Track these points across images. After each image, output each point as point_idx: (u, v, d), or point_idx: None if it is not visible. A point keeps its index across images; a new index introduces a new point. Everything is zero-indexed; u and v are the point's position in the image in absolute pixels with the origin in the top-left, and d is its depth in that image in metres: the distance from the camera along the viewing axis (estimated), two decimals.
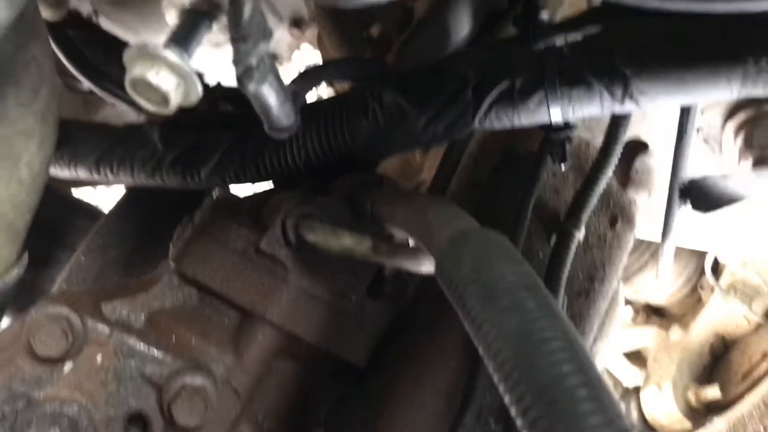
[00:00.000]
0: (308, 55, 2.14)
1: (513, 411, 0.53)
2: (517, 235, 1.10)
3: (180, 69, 0.57)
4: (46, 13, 1.07)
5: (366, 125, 1.06)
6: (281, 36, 2.02)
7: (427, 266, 0.86)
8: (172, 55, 0.56)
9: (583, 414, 0.49)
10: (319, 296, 1.01)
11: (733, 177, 0.94)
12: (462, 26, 1.23)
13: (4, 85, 0.85)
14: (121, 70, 1.51)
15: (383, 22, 1.40)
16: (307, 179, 1.12)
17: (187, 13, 0.59)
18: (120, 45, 1.56)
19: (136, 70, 0.56)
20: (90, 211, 1.59)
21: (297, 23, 1.92)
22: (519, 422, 0.52)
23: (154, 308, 1.03)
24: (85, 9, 1.78)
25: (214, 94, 1.34)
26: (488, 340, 0.56)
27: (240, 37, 0.58)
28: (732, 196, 0.96)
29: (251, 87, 0.66)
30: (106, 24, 1.77)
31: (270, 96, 0.73)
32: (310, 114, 1.06)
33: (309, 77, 1.01)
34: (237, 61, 0.62)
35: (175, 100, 0.57)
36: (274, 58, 2.18)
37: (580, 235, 1.12)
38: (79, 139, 1.23)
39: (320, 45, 1.82)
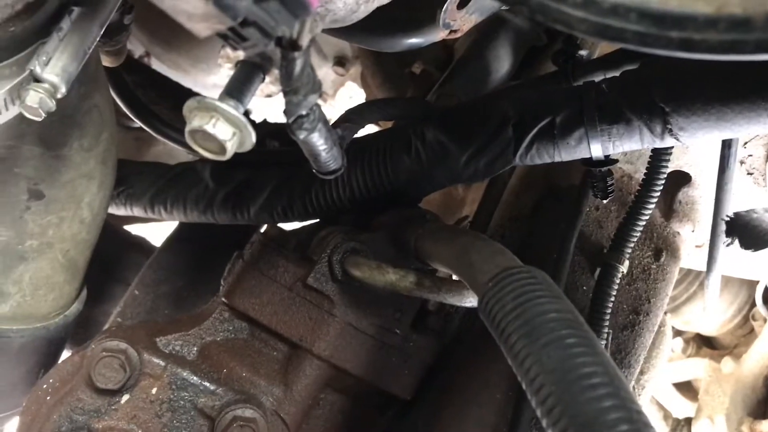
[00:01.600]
0: (352, 92, 2.20)
1: None
2: (560, 269, 1.11)
3: (235, 120, 0.60)
4: (107, 61, 1.13)
5: (409, 162, 1.08)
6: (326, 74, 2.09)
7: (470, 301, 0.88)
8: (227, 107, 0.60)
9: None
10: (365, 330, 1.03)
11: None
12: (502, 63, 1.25)
13: (69, 132, 0.91)
14: (172, 110, 1.57)
15: (424, 60, 1.44)
16: (352, 215, 1.15)
17: (241, 66, 0.63)
18: (172, 86, 1.62)
19: (195, 121, 0.59)
20: (142, 246, 1.64)
21: (341, 62, 1.98)
22: None
23: (206, 342, 1.07)
24: (138, 51, 1.86)
25: (261, 131, 1.39)
26: (530, 376, 0.58)
27: (291, 90, 0.61)
28: None
29: (302, 135, 0.69)
30: (157, 65, 1.85)
31: (319, 143, 0.76)
32: (355, 151, 1.10)
33: (354, 119, 1.05)
34: (288, 111, 0.65)
35: (231, 148, 0.61)
36: (320, 95, 2.24)
37: (623, 268, 1.13)
38: (135, 178, 1.29)
39: (363, 82, 1.87)
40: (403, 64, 1.54)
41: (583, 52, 1.15)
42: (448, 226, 1.10)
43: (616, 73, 1.01)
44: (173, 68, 1.89)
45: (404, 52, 1.44)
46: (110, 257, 1.57)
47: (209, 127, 0.59)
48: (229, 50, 1.64)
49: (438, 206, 1.64)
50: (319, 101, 2.09)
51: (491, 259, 0.74)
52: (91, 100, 0.92)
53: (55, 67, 0.71)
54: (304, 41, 0.55)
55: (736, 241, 1.08)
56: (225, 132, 0.60)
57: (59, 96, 0.71)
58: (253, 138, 0.62)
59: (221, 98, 0.62)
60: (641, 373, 1.43)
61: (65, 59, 0.71)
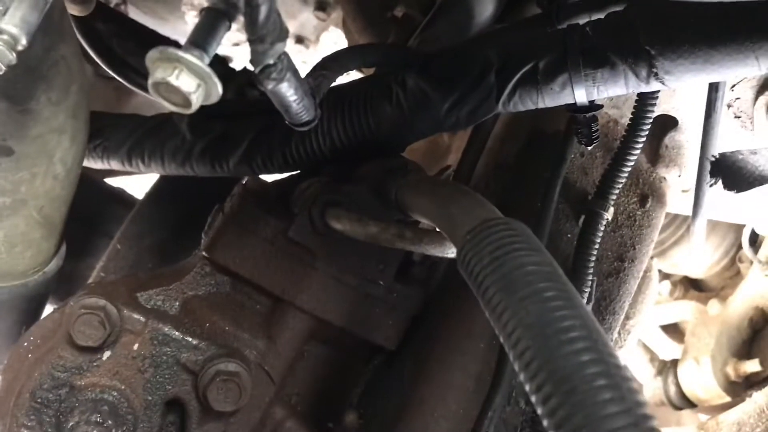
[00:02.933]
0: (336, 37, 2.15)
1: (533, 399, 0.54)
2: (544, 217, 1.09)
3: (200, 70, 0.58)
4: (74, 9, 1.09)
5: (390, 111, 1.06)
6: (307, 19, 2.04)
7: (451, 252, 0.87)
8: (191, 58, 0.57)
9: (601, 402, 0.50)
10: (348, 282, 1.03)
11: (765, 153, 0.92)
12: (485, 6, 1.22)
13: (35, 85, 0.88)
14: None
15: (407, 4, 1.40)
16: (333, 165, 1.13)
17: (205, 14, 0.60)
18: (149, 35, 1.58)
19: (157, 73, 0.57)
20: (124, 199, 1.62)
21: (322, 6, 1.93)
22: (539, 410, 0.53)
23: (188, 296, 1.06)
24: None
25: (241, 80, 1.35)
26: (508, 330, 0.57)
27: (257, 38, 0.58)
28: (762, 176, 0.95)
29: (269, 86, 0.67)
30: (134, 13, 1.80)
31: (289, 93, 0.74)
32: (334, 100, 1.07)
33: (331, 67, 1.02)
34: (254, 61, 0.63)
35: (197, 101, 0.58)
36: (300, 41, 2.18)
37: (608, 215, 1.12)
38: (111, 131, 1.26)
39: (345, 27, 1.82)
40: (384, 7, 1.50)
41: None
42: (429, 177, 1.09)
43: (601, 15, 0.98)
44: (151, 16, 1.84)
45: None
46: (91, 211, 1.56)
47: (172, 79, 0.57)
48: None
49: (423, 154, 1.62)
50: (302, 47, 2.04)
51: (470, 210, 0.73)
52: (56, 52, 0.89)
53: (13, 18, 0.68)
54: None
55: (720, 182, 1.06)
56: (189, 84, 0.57)
57: (20, 48, 0.68)
58: (220, 89, 0.59)
59: (185, 48, 0.59)
60: (627, 318, 1.44)
61: (24, 8, 0.67)
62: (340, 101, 1.07)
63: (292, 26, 2.11)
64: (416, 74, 1.05)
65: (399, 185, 0.96)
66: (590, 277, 1.09)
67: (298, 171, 1.15)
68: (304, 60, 2.16)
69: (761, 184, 0.96)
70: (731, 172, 1.03)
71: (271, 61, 0.63)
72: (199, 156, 1.18)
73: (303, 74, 0.96)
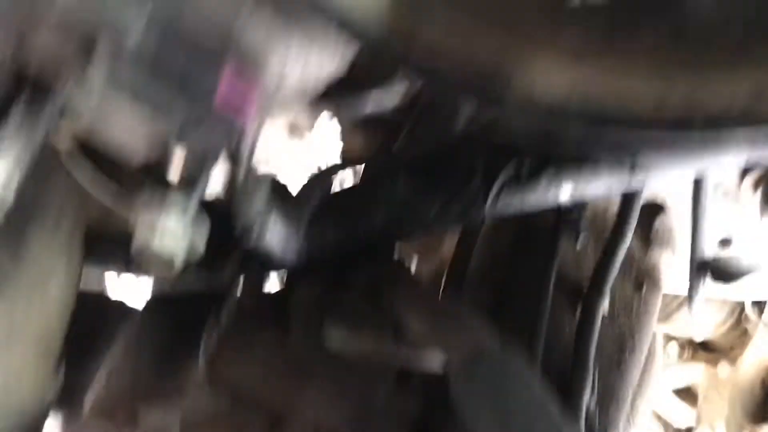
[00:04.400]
0: (329, 124, 2.18)
1: None
2: (540, 312, 1.09)
3: (181, 236, 0.59)
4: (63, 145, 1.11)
5: (380, 216, 1.07)
6: (300, 110, 2.07)
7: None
8: (171, 223, 0.58)
9: None
10: (347, 394, 1.02)
11: (754, 240, 0.93)
12: (468, 108, 1.24)
13: (26, 221, 0.89)
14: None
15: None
16: (327, 270, 1.13)
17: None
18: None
19: (139, 240, 0.58)
20: (124, 311, 1.62)
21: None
22: None
23: (188, 414, 1.05)
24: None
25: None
26: None
27: (237, 202, 0.60)
28: (755, 263, 0.95)
29: (251, 244, 0.68)
30: None
31: (272, 243, 0.75)
32: (326, 207, 1.08)
33: (317, 184, 1.04)
34: (236, 222, 0.64)
35: (179, 263, 0.59)
36: (293, 131, 2.21)
37: (604, 305, 1.11)
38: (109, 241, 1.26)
39: (338, 117, 1.84)
40: None
41: None
42: (422, 290, 1.09)
43: None
44: None
45: None
46: (90, 324, 1.54)
47: (155, 244, 0.57)
48: None
49: (420, 243, 1.62)
50: (295, 136, 2.06)
51: (464, 333, 0.73)
52: (48, 184, 0.91)
53: None
54: (245, 152, 0.53)
55: (710, 276, 1.07)
56: (170, 248, 0.58)
57: (5, 208, 0.69)
58: (201, 250, 0.60)
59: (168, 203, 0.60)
60: (633, 399, 1.42)
61: (5, 169, 0.69)
62: (332, 208, 1.08)
63: (286, 117, 2.14)
64: (404, 177, 1.06)
65: (392, 296, 0.97)
66: (591, 371, 1.08)
67: (291, 278, 1.16)
68: (299, 149, 2.19)
69: (751, 272, 0.96)
70: (721, 262, 1.03)
71: (251, 221, 0.64)
72: (195, 264, 1.18)
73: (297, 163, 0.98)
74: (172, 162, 0.56)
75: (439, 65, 0.47)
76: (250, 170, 0.57)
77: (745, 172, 1.16)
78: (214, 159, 0.52)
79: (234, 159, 0.53)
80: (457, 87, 0.44)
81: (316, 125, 2.21)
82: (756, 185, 1.13)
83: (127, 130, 0.49)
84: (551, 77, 0.45)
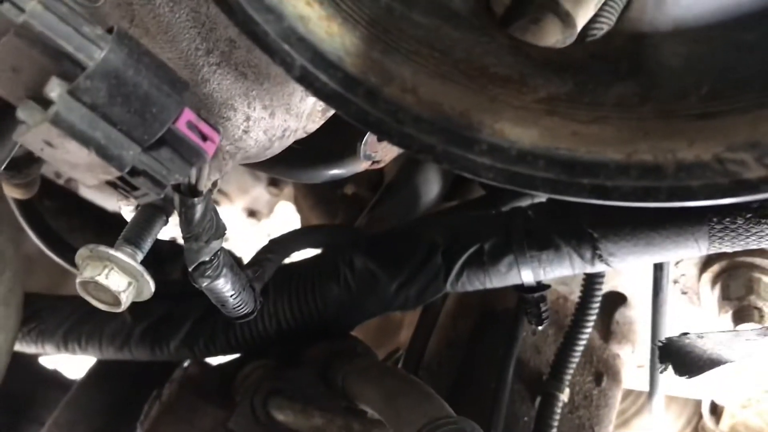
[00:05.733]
0: (287, 210, 2.17)
1: None
2: (499, 401, 1.06)
3: (131, 269, 0.55)
4: (16, 194, 1.07)
5: (338, 291, 1.04)
6: (260, 193, 2.06)
7: None
8: (123, 256, 0.55)
9: None
10: None
11: (713, 336, 0.92)
12: (431, 187, 1.24)
13: None
14: (96, 237, 1.50)
15: (356, 183, 1.43)
16: (279, 347, 1.08)
17: (141, 210, 0.59)
18: (97, 212, 1.57)
19: (86, 272, 0.54)
20: (59, 382, 1.53)
21: (274, 182, 1.97)
22: None
23: None
24: (64, 175, 1.80)
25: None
26: None
27: (192, 236, 0.57)
28: (714, 359, 0.94)
29: (204, 283, 0.65)
30: (85, 190, 1.79)
31: (225, 289, 0.71)
32: (281, 280, 1.05)
33: (276, 251, 1.01)
34: (188, 259, 0.61)
35: (127, 299, 0.56)
36: (252, 214, 2.19)
37: (564, 396, 1.08)
38: (47, 314, 1.21)
39: (296, 203, 1.84)
40: (335, 186, 1.52)
41: None
42: (377, 364, 1.05)
43: (543, 199, 1.00)
44: (101, 192, 1.83)
45: None
46: (22, 395, 1.46)
47: (101, 278, 0.54)
48: None
49: (375, 329, 1.58)
50: (254, 220, 2.03)
51: (419, 406, 0.69)
52: None
53: None
54: (203, 186, 0.51)
55: (670, 368, 1.05)
56: (119, 283, 0.55)
57: None
58: (152, 287, 0.57)
59: (117, 246, 0.57)
60: None
61: None
62: (287, 282, 1.05)
63: (245, 201, 2.13)
64: (364, 254, 1.04)
65: (346, 372, 0.93)
66: None
67: (242, 354, 1.11)
68: (256, 233, 2.17)
69: (711, 368, 0.95)
70: (680, 356, 1.02)
71: (206, 258, 0.61)
72: (139, 339, 1.13)
73: (253, 248, 0.95)
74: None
75: (411, 104, 0.46)
76: (209, 207, 0.55)
77: (702, 270, 1.17)
78: (175, 185, 0.50)
79: (193, 191, 0.51)
80: (427, 127, 0.43)
81: (274, 210, 2.21)
82: (714, 281, 1.14)
83: (79, 159, 0.46)
84: (519, 127, 0.45)
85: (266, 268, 0.94)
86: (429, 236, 1.01)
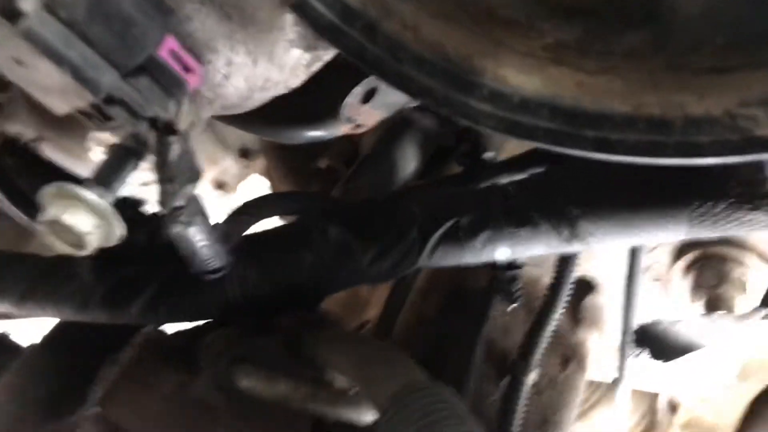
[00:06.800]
0: (257, 185, 2.13)
1: None
2: (466, 379, 1.04)
3: (100, 209, 0.52)
4: None
5: (310, 260, 1.01)
6: (229, 165, 2.01)
7: (369, 417, 0.80)
8: (91, 195, 0.52)
9: None
10: None
11: (687, 323, 0.92)
12: (408, 162, 1.22)
13: None
14: None
15: (330, 156, 1.40)
16: (246, 315, 1.05)
17: (112, 150, 0.55)
18: (60, 173, 1.51)
19: (51, 210, 0.51)
20: (7, 346, 1.48)
21: (245, 153, 1.92)
22: None
23: None
24: (29, 134, 1.74)
25: (153, 224, 1.29)
26: None
27: (166, 178, 0.54)
28: (688, 345, 0.94)
29: (176, 229, 0.62)
30: (49, 152, 1.73)
31: (197, 238, 0.68)
32: (251, 246, 1.02)
33: (251, 212, 0.98)
34: (162, 202, 0.58)
35: (93, 242, 0.53)
36: (220, 186, 2.15)
37: (531, 378, 1.08)
38: (5, 272, 1.16)
39: (268, 176, 1.81)
40: (308, 158, 1.49)
41: (489, 154, 1.14)
42: (348, 333, 1.03)
43: (524, 177, 0.99)
44: (65, 154, 1.77)
45: (310, 147, 1.39)
46: None
47: (66, 217, 0.50)
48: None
49: (342, 306, 1.56)
50: (221, 192, 1.98)
51: (393, 371, 0.67)
52: None
53: None
54: (182, 124, 0.48)
55: (645, 353, 1.05)
56: (85, 223, 0.51)
57: None
58: (121, 231, 0.54)
59: (86, 184, 0.54)
60: None
61: None
62: (257, 248, 1.02)
63: (213, 172, 2.08)
64: (339, 224, 1.02)
65: (315, 340, 0.90)
66: None
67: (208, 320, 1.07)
68: (224, 205, 2.12)
69: (685, 353, 0.95)
70: (658, 342, 1.02)
71: (181, 203, 0.58)
72: (100, 301, 1.08)
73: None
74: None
75: (411, 42, 0.44)
76: (187, 148, 0.52)
77: (675, 258, 1.17)
78: (151, 121, 0.47)
79: (170, 129, 0.48)
80: (428, 69, 0.41)
81: (243, 181, 2.16)
82: (687, 271, 1.14)
83: (52, 80, 0.43)
84: (523, 74, 0.43)
85: (237, 228, 0.91)
86: (405, 209, 1.00)
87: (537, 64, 0.43)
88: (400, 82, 0.42)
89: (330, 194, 1.26)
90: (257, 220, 1.00)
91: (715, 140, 0.39)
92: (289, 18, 0.63)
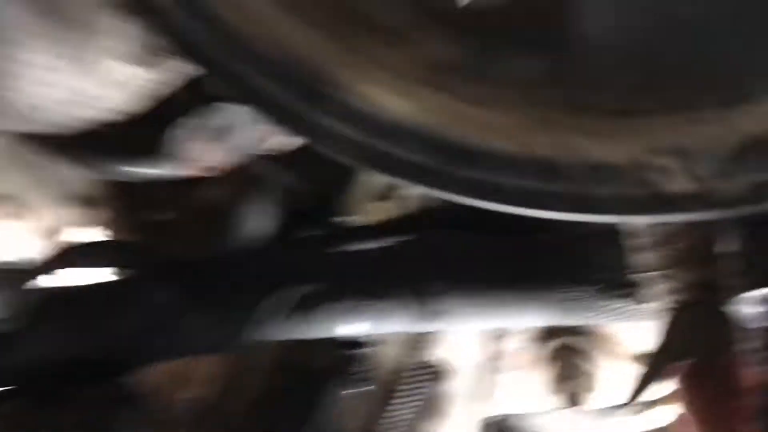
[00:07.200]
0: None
1: None
2: None
3: None
4: None
5: (129, 323, 0.89)
6: (67, 213, 1.82)
7: None
8: None
9: None
10: None
11: (550, 417, 0.87)
12: (260, 220, 1.12)
13: None
14: None
15: (174, 208, 1.27)
16: (46, 383, 0.90)
17: None
18: None
19: None
20: None
21: (89, 201, 1.74)
22: None
23: None
24: None
25: None
26: None
27: None
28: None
29: None
30: None
31: None
32: (58, 301, 0.90)
33: (60, 260, 0.85)
34: None
35: None
36: (51, 235, 1.94)
37: None
38: None
39: (112, 227, 1.64)
40: (152, 209, 1.35)
41: (350, 218, 1.06)
42: (154, 420, 0.91)
43: (383, 245, 0.92)
44: None
45: (153, 198, 1.29)
46: None
47: None
48: None
49: (170, 376, 1.39)
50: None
51: None
52: None
53: None
54: None
55: None
56: None
57: None
58: None
59: None
60: None
61: None
62: (64, 304, 0.90)
63: (46, 217, 1.87)
64: (169, 284, 0.90)
65: (121, 423, 0.78)
66: None
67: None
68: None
69: None
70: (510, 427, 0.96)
71: None
72: None
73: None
74: None
75: (249, 33, 0.34)
76: None
77: (534, 344, 1.13)
78: None
79: None
80: (266, 68, 0.31)
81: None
82: (547, 360, 1.10)
83: None
84: (394, 95, 0.34)
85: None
86: (250, 271, 0.90)
87: (411, 85, 0.34)
88: (227, 80, 0.32)
89: (167, 249, 1.13)
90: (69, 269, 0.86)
91: (618, 195, 0.32)
92: (115, 22, 0.52)
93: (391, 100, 0.33)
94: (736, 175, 0.31)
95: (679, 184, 0.31)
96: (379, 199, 1.14)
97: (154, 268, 0.96)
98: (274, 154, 0.89)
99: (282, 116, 0.33)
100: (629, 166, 0.31)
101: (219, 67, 0.33)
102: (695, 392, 0.72)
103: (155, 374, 1.24)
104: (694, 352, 0.73)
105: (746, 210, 0.31)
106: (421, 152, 0.33)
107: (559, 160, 0.32)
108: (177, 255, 1.12)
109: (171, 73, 0.59)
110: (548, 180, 0.32)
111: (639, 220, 0.32)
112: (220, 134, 0.75)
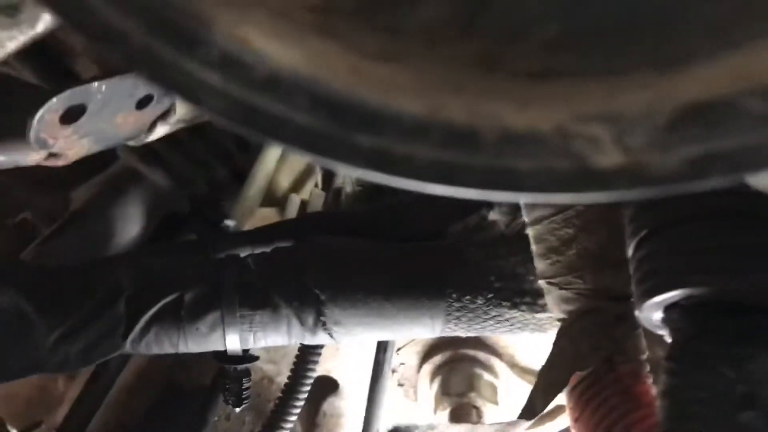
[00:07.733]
0: None
1: None
2: None
3: None
4: None
5: None
6: None
7: None
8: None
9: None
10: None
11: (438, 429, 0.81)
12: (130, 226, 1.01)
13: None
14: None
15: (35, 211, 1.13)
16: None
17: None
18: None
19: None
20: None
21: None
22: None
23: None
24: None
25: None
26: None
27: None
28: None
29: None
30: None
31: None
32: None
33: None
34: None
35: None
36: None
37: None
38: None
39: None
40: (10, 211, 1.21)
41: (229, 223, 0.97)
42: None
43: (267, 249, 0.84)
44: None
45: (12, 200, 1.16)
46: None
47: None
48: None
49: (27, 402, 1.25)
50: None
51: None
52: None
53: None
54: None
55: None
56: None
57: None
58: None
59: None
60: None
61: None
62: None
63: None
64: (16, 292, 0.78)
65: None
66: None
67: None
68: None
69: None
70: None
71: None
72: None
73: None
74: None
75: None
76: None
77: (423, 361, 1.08)
78: None
79: None
80: (124, 4, 0.24)
81: None
82: (434, 374, 1.05)
83: None
84: (276, 40, 0.28)
85: None
86: (111, 277, 0.80)
87: (296, 30, 0.28)
88: (75, 17, 0.25)
89: (21, 256, 1.00)
90: None
91: (539, 169, 0.27)
92: None
93: (274, 47, 0.27)
94: (672, 147, 0.26)
95: (609, 156, 0.26)
96: (262, 204, 1.07)
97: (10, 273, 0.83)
98: (143, 147, 0.79)
99: (137, 61, 0.26)
100: (553, 135, 0.27)
101: (71, 3, 0.25)
102: (588, 405, 0.69)
103: (22, 391, 1.10)
104: (587, 362, 0.70)
105: (682, 187, 0.27)
106: (310, 112, 0.27)
107: (474, 127, 0.27)
108: (25, 262, 1.00)
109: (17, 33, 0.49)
110: (462, 149, 0.27)
111: (564, 198, 0.28)
112: (73, 116, 0.64)
